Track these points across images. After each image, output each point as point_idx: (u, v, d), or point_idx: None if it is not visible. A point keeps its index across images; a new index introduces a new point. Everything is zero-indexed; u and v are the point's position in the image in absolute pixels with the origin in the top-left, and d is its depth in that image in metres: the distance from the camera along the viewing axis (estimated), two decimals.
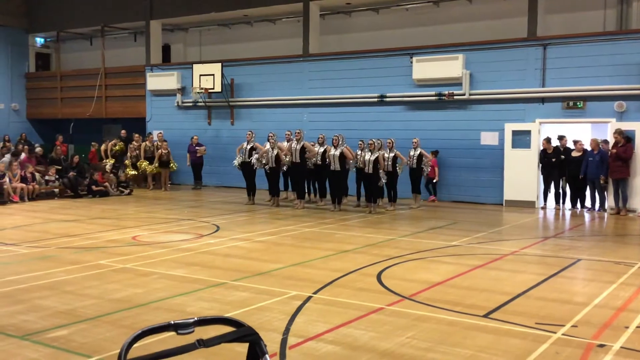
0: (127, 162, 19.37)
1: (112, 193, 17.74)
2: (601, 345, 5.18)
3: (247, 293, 6.88)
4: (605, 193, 14.43)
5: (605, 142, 14.47)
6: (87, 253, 9.26)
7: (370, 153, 14.01)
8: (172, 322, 1.93)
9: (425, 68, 16.49)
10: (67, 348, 5.12)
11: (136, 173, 19.31)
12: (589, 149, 14.65)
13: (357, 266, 8.29)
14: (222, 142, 20.04)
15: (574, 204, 14.95)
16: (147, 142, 19.79)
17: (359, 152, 14.44)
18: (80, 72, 23.83)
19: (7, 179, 15.94)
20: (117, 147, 19.94)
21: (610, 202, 14.33)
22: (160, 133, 20.22)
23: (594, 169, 14.25)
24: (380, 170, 13.98)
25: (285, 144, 15.12)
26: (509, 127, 15.58)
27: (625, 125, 14.16)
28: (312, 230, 11.53)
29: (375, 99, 17.47)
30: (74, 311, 6.17)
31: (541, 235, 11.44)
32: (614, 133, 14.00)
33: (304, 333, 5.47)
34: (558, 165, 14.86)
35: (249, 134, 15.69)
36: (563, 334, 5.47)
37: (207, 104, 20.38)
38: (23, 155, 18.18)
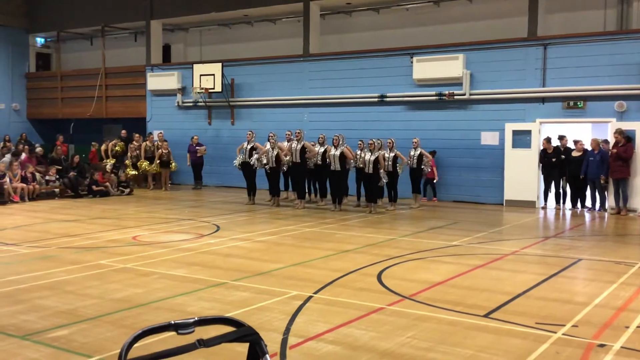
0: (127, 162, 19.37)
1: (112, 193, 17.75)
2: (601, 345, 5.18)
3: (248, 293, 6.88)
4: (606, 193, 14.43)
5: (606, 142, 14.47)
6: (87, 253, 9.26)
7: (370, 153, 14.01)
8: (173, 322, 1.93)
9: (426, 68, 16.49)
10: (67, 348, 5.12)
11: (136, 173, 19.32)
12: (589, 148, 14.64)
13: (357, 266, 8.29)
14: (222, 142, 20.04)
15: (574, 204, 14.95)
16: (148, 142, 19.80)
17: (358, 152, 14.45)
18: (81, 72, 23.84)
19: (7, 179, 15.95)
20: (117, 148, 19.95)
21: (610, 202, 14.33)
22: (161, 133, 20.23)
23: (595, 168, 14.25)
24: (381, 171, 13.98)
25: (285, 144, 15.12)
26: (509, 127, 15.58)
27: (626, 125, 14.16)
28: (312, 230, 11.53)
29: (376, 99, 17.47)
30: (75, 311, 6.17)
31: (541, 235, 11.44)
32: (615, 133, 14.00)
33: (305, 333, 5.47)
34: (558, 165, 14.86)
35: (250, 134, 15.69)
36: (563, 334, 5.47)
37: (207, 103, 20.38)
38: (23, 155, 18.19)
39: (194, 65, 20.01)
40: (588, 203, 14.83)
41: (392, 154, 14.38)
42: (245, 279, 7.52)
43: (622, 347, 5.13)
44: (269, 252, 9.45)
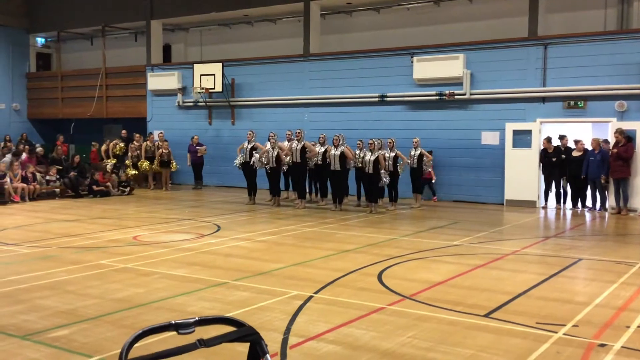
0: (127, 162, 19.37)
1: (113, 193, 17.75)
2: (602, 345, 5.17)
3: (248, 293, 6.89)
4: (606, 192, 14.43)
5: (606, 141, 14.47)
6: (88, 253, 9.26)
7: (370, 153, 14.01)
8: (173, 322, 1.93)
9: (426, 68, 16.49)
10: (68, 348, 5.12)
11: (137, 173, 19.32)
12: (589, 148, 14.64)
13: (357, 266, 8.29)
14: (222, 142, 20.05)
15: (574, 204, 14.95)
16: (148, 142, 19.81)
17: (357, 152, 14.45)
18: (81, 72, 23.84)
19: (8, 179, 15.95)
20: (117, 148, 19.94)
21: (611, 201, 14.33)
22: (161, 133, 20.24)
23: (595, 168, 14.25)
24: (382, 171, 13.97)
25: (285, 144, 15.12)
26: (510, 127, 15.57)
27: (626, 125, 14.16)
28: (313, 230, 11.53)
29: (376, 99, 17.47)
30: (75, 311, 6.17)
31: (542, 235, 11.44)
32: (615, 132, 13.99)
33: (305, 333, 5.47)
34: (559, 165, 14.86)
35: (250, 134, 15.69)
36: (564, 334, 5.47)
37: (207, 103, 20.38)
38: (24, 155, 18.20)
39: (195, 65, 20.02)
40: (588, 203, 14.83)
41: (392, 154, 14.38)
42: (245, 279, 7.52)
43: (622, 346, 5.13)
44: (270, 252, 9.45)
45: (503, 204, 15.64)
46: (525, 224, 12.80)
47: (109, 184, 17.81)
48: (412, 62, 16.81)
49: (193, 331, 1.96)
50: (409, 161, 14.98)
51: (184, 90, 20.80)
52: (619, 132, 13.90)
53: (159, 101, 21.61)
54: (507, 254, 9.30)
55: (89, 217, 13.34)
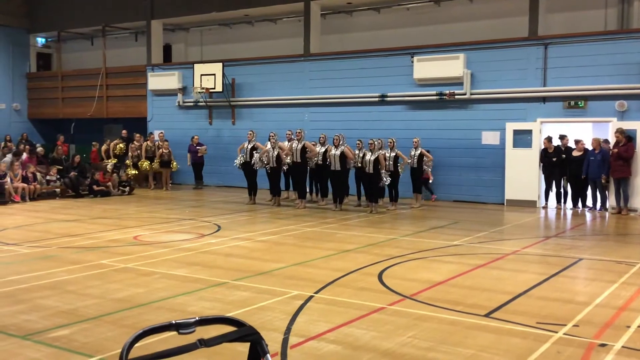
0: (128, 162, 19.37)
1: (113, 193, 17.75)
2: (603, 345, 5.17)
3: (249, 293, 6.89)
4: (607, 192, 14.42)
5: (606, 141, 14.46)
6: (88, 253, 9.26)
7: (370, 153, 14.01)
8: (174, 322, 1.93)
9: (426, 67, 16.48)
10: (68, 348, 5.12)
11: (137, 173, 19.32)
12: (590, 148, 14.63)
13: (358, 266, 8.29)
14: (223, 142, 20.05)
15: (575, 204, 14.94)
16: (149, 142, 19.81)
17: (357, 152, 14.46)
18: (82, 72, 23.85)
19: (8, 179, 15.95)
20: (117, 148, 19.93)
21: (611, 201, 14.32)
22: (162, 133, 20.24)
23: (596, 168, 14.24)
24: (383, 171, 13.96)
25: (286, 144, 15.12)
26: (510, 127, 15.57)
27: (627, 125, 14.16)
28: (313, 230, 11.53)
29: (376, 99, 17.47)
30: (76, 311, 6.17)
31: (542, 235, 11.43)
32: (615, 132, 13.99)
33: (305, 333, 5.47)
34: (559, 165, 14.86)
35: (250, 134, 15.69)
36: (564, 334, 5.47)
37: (208, 103, 20.39)
38: (24, 155, 18.20)
39: (195, 65, 20.02)
40: (589, 203, 14.83)
41: (393, 154, 14.38)
42: (246, 279, 7.52)
43: (623, 346, 5.13)
44: (270, 251, 9.45)
45: (503, 204, 15.63)
46: (526, 223, 12.80)
47: (109, 184, 17.82)
48: (412, 62, 16.81)
49: (193, 331, 1.96)
50: (410, 161, 14.98)
51: (184, 90, 20.81)
52: (620, 131, 13.90)
53: (159, 101, 21.61)
54: (508, 253, 9.30)
55: (89, 217, 13.34)
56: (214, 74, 19.48)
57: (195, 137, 19.63)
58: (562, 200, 15.10)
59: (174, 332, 1.94)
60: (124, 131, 20.93)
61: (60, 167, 18.03)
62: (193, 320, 1.96)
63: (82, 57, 24.93)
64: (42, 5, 24.44)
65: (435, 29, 18.07)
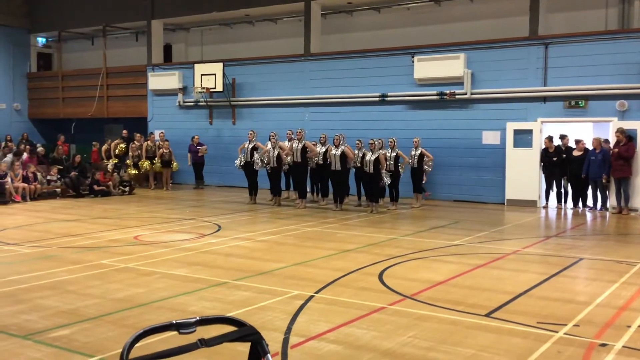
0: (128, 161, 19.38)
1: (113, 193, 17.76)
2: (603, 345, 5.17)
3: (249, 292, 6.89)
4: (607, 192, 14.42)
5: (607, 141, 14.46)
6: (89, 253, 9.27)
7: (370, 153, 14.01)
8: (174, 322, 1.93)
9: (427, 67, 16.48)
10: (69, 347, 5.12)
11: (137, 172, 19.33)
12: (591, 148, 14.63)
13: (358, 265, 8.29)
14: (223, 142, 20.05)
15: (575, 203, 14.94)
16: (149, 142, 19.81)
17: (357, 152, 14.45)
18: (82, 72, 23.85)
19: (9, 179, 15.96)
20: (118, 148, 19.94)
21: (612, 201, 14.32)
22: (162, 133, 20.24)
23: (596, 168, 14.24)
24: (383, 171, 13.96)
25: (286, 144, 15.13)
26: (511, 126, 15.56)
27: (627, 124, 14.15)
28: (313, 230, 11.53)
29: (377, 99, 17.47)
30: (76, 311, 6.18)
31: (543, 235, 11.43)
32: (616, 132, 13.99)
33: (306, 332, 5.47)
34: (560, 164, 14.86)
35: (251, 134, 15.68)
36: (565, 333, 5.47)
37: (208, 103, 20.39)
38: (25, 155, 18.21)
39: (195, 64, 20.02)
40: (589, 202, 14.82)
41: (393, 154, 14.38)
42: (246, 279, 7.52)
43: (623, 346, 5.13)
44: (271, 251, 9.45)
45: (504, 204, 15.63)
46: (526, 223, 12.80)
47: (109, 183, 17.82)
48: (412, 61, 16.80)
49: (194, 331, 1.96)
50: (410, 161, 14.98)
51: (184, 90, 20.81)
52: (620, 131, 13.90)
53: (159, 101, 21.61)
54: (508, 253, 9.29)
55: (89, 216, 13.35)
56: (215, 74, 19.48)
57: (196, 137, 19.63)
58: (563, 200, 15.09)
59: (175, 332, 1.94)
60: (124, 131, 20.94)
61: (61, 167, 18.04)
62: (193, 320, 1.95)
63: (83, 57, 24.93)
64: (43, 5, 24.45)
65: (435, 28, 18.07)
